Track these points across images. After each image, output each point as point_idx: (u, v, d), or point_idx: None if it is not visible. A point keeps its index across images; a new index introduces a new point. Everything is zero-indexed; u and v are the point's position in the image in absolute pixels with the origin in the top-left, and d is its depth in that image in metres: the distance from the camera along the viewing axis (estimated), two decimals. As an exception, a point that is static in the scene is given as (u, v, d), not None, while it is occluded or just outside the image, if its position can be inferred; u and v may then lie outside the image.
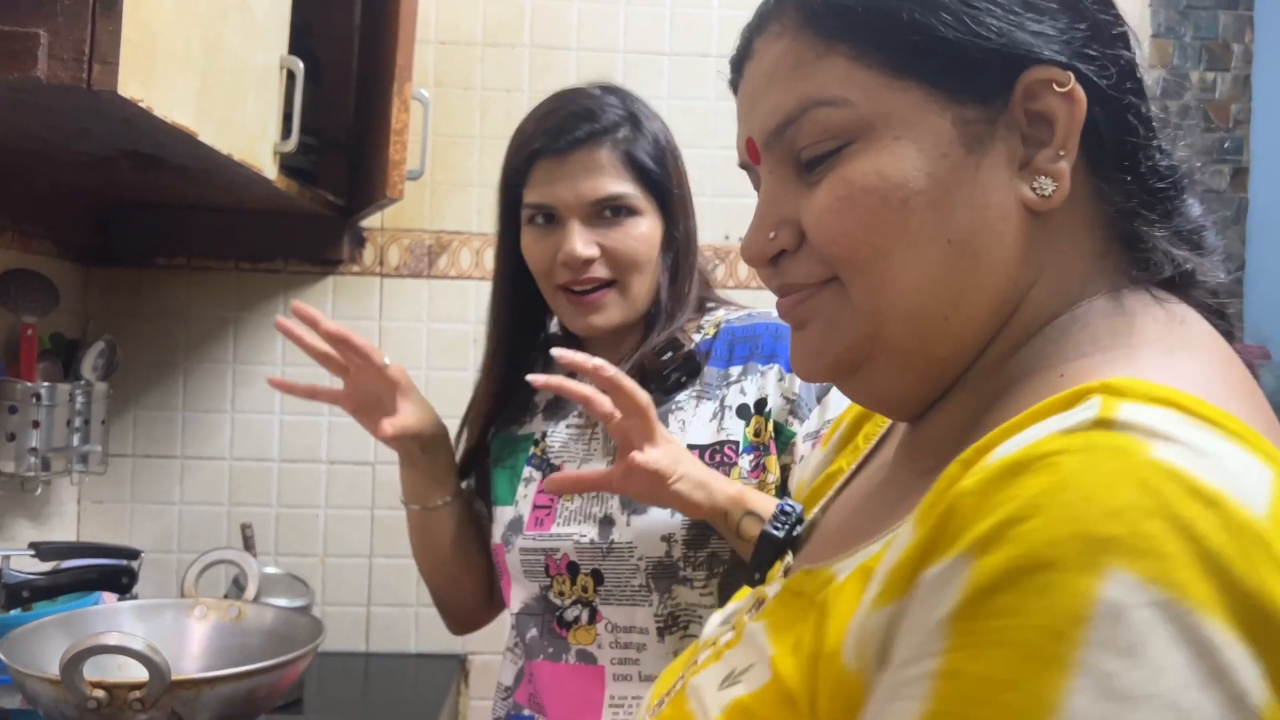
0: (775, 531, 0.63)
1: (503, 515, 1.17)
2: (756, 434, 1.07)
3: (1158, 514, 0.36)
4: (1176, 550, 0.35)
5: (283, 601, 1.53)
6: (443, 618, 1.30)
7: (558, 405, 1.20)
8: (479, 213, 1.82)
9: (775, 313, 1.09)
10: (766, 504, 0.98)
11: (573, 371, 0.99)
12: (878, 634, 0.41)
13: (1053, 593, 0.36)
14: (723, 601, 1.02)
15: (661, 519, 1.05)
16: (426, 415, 1.17)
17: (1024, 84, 0.50)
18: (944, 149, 0.50)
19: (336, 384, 1.18)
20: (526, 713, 1.15)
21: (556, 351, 0.97)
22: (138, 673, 0.91)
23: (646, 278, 1.12)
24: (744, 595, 0.66)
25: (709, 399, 1.10)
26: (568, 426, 1.18)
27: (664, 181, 1.11)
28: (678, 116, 1.82)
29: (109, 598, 1.31)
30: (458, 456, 1.24)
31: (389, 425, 1.12)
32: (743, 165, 0.59)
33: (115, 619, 1.14)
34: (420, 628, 1.81)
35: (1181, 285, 0.52)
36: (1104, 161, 0.51)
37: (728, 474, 1.05)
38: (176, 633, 1.16)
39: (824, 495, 0.68)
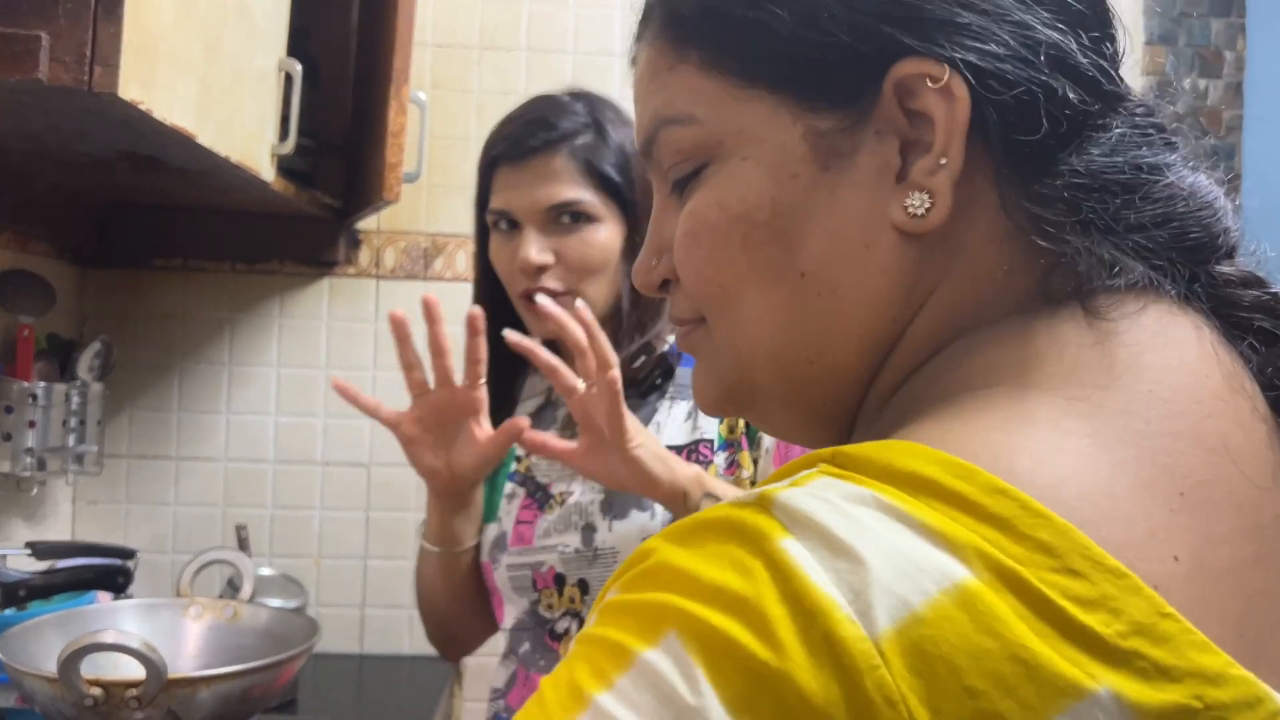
0: None
1: (487, 533, 1.16)
2: (731, 430, 1.08)
3: (742, 607, 0.32)
4: (740, 646, 0.32)
5: (277, 602, 1.53)
6: (440, 647, 1.27)
7: (540, 420, 1.19)
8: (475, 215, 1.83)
9: None
10: (725, 488, 0.98)
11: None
12: None
13: (612, 635, 0.35)
14: None
15: (640, 521, 1.05)
16: (496, 450, 1.07)
17: (892, 80, 0.42)
18: (793, 169, 0.43)
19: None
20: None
21: (507, 334, 0.97)
22: (134, 671, 0.92)
23: (604, 285, 1.10)
24: None
25: (683, 399, 1.10)
26: (555, 434, 1.16)
27: (624, 189, 1.10)
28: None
29: (104, 597, 1.31)
30: None
31: (470, 455, 1.06)
32: None
33: (112, 618, 1.14)
34: (415, 630, 1.81)
35: (1155, 286, 0.42)
36: (1009, 163, 0.42)
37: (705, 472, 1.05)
38: (172, 632, 1.16)
39: None
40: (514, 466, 1.18)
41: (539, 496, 1.14)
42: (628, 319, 1.11)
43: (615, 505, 1.07)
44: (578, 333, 0.95)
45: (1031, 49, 0.41)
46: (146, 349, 1.78)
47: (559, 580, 1.09)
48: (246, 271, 1.81)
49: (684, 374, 1.11)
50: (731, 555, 0.34)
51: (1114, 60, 0.45)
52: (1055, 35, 0.42)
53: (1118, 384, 0.39)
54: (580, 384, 0.96)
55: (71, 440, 1.55)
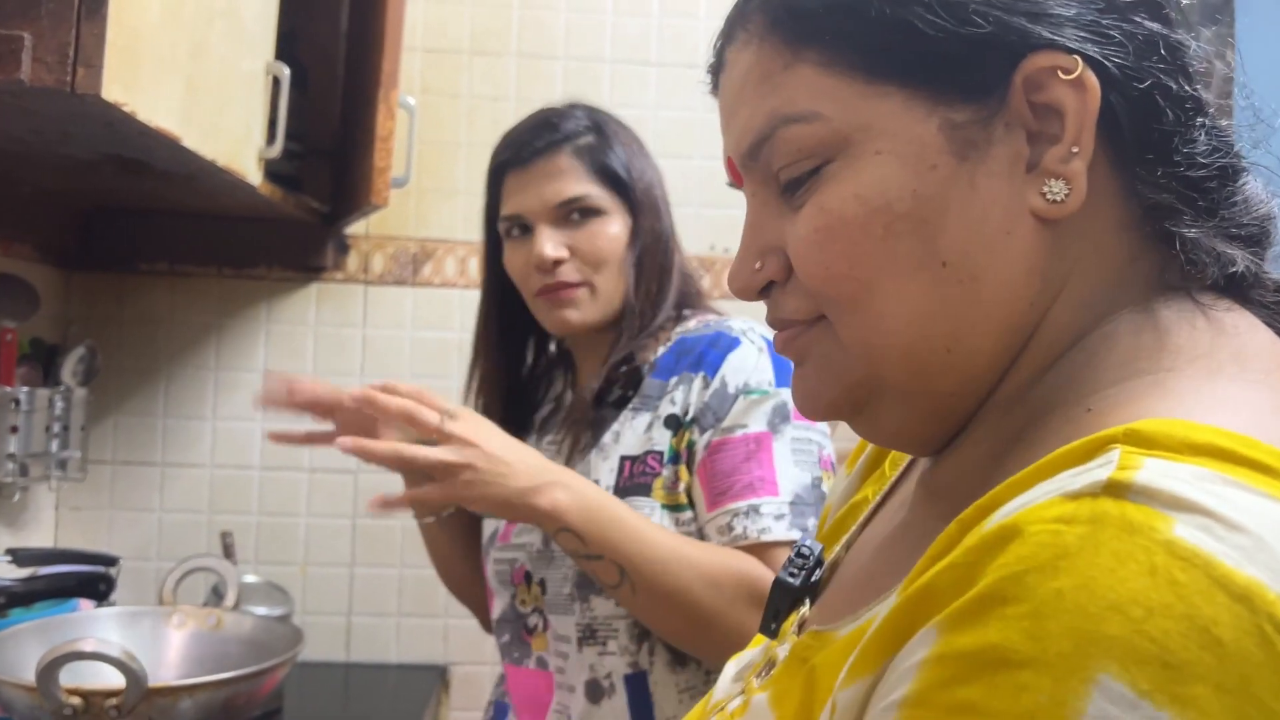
0: (790, 579, 0.56)
1: (487, 527, 1.20)
2: (681, 444, 1.08)
3: (1169, 612, 0.30)
4: (1190, 660, 0.29)
5: (262, 610, 1.51)
6: (474, 612, 1.34)
7: (547, 424, 1.22)
8: (464, 220, 1.82)
9: (734, 322, 1.11)
10: (594, 513, 0.98)
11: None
12: (849, 713, 0.37)
13: (1026, 696, 0.30)
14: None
15: None
16: None
17: (1024, 74, 0.43)
18: (931, 160, 0.44)
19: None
20: (507, 701, 1.20)
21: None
22: (115, 680, 0.91)
23: (615, 276, 1.13)
24: (758, 644, 0.60)
25: (646, 410, 1.11)
26: (548, 443, 1.19)
27: (628, 181, 1.14)
28: (664, 127, 1.83)
29: (86, 605, 1.30)
30: None
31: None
32: (730, 185, 0.55)
33: (93, 625, 1.13)
34: (401, 638, 1.80)
35: (1237, 288, 0.44)
36: (1129, 153, 0.44)
37: (649, 484, 1.06)
38: (154, 640, 1.15)
39: (847, 529, 0.61)
40: None
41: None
42: (634, 308, 1.14)
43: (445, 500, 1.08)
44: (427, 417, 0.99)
45: (1151, 44, 0.44)
46: (132, 354, 1.77)
47: (527, 577, 1.12)
48: (233, 276, 1.79)
49: (651, 385, 1.12)
50: (1119, 554, 0.31)
51: (1201, 61, 0.47)
52: (1168, 33, 0.44)
53: (1275, 370, 0.41)
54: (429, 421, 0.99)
55: (55, 446, 1.54)
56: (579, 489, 0.99)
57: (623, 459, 1.09)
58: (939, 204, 0.44)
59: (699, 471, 1.05)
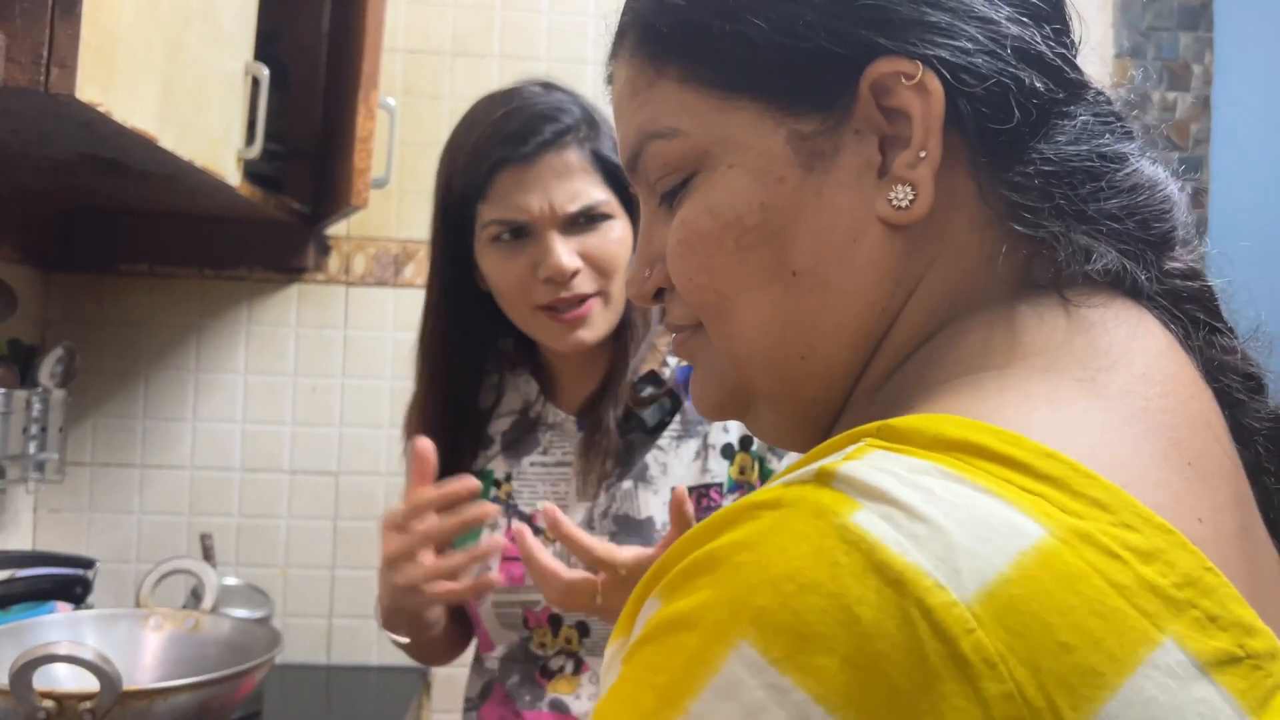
0: None
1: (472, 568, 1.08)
2: (742, 471, 1.03)
3: (819, 589, 0.31)
4: (824, 633, 0.30)
5: (242, 613, 1.51)
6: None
7: (519, 441, 1.11)
8: (446, 222, 1.82)
9: None
10: None
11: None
12: (610, 669, 0.39)
13: (679, 654, 0.32)
14: None
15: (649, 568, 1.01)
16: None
17: (868, 81, 0.43)
18: (779, 172, 0.45)
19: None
20: None
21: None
22: (89, 683, 0.90)
23: (622, 284, 1.03)
24: None
25: (691, 436, 1.04)
26: (532, 465, 1.10)
27: (626, 180, 1.06)
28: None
29: (64, 608, 1.29)
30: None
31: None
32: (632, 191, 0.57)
33: (68, 628, 1.12)
34: (383, 640, 1.78)
35: (1129, 281, 0.44)
36: (983, 153, 0.44)
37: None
38: (131, 643, 1.14)
39: None
40: (493, 493, 1.10)
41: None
42: (635, 319, 1.06)
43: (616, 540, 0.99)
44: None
45: (998, 42, 0.43)
46: (111, 355, 1.76)
47: (554, 621, 1.04)
48: (214, 277, 1.79)
49: (690, 409, 1.05)
50: (796, 534, 0.33)
51: (1073, 49, 0.47)
52: (1018, 29, 0.44)
53: (1115, 367, 0.41)
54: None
55: (32, 448, 1.52)
56: None
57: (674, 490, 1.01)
58: (788, 215, 0.45)
59: None
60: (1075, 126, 0.44)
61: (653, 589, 0.36)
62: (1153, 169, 0.46)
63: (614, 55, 0.51)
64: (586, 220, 1.01)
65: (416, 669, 1.77)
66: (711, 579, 0.33)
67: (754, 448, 1.03)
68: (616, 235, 1.03)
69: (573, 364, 1.09)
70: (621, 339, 1.06)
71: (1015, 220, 0.44)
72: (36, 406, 1.53)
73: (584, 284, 1.01)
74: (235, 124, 1.28)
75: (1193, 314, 0.45)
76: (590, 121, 1.03)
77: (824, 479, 0.34)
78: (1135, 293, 0.44)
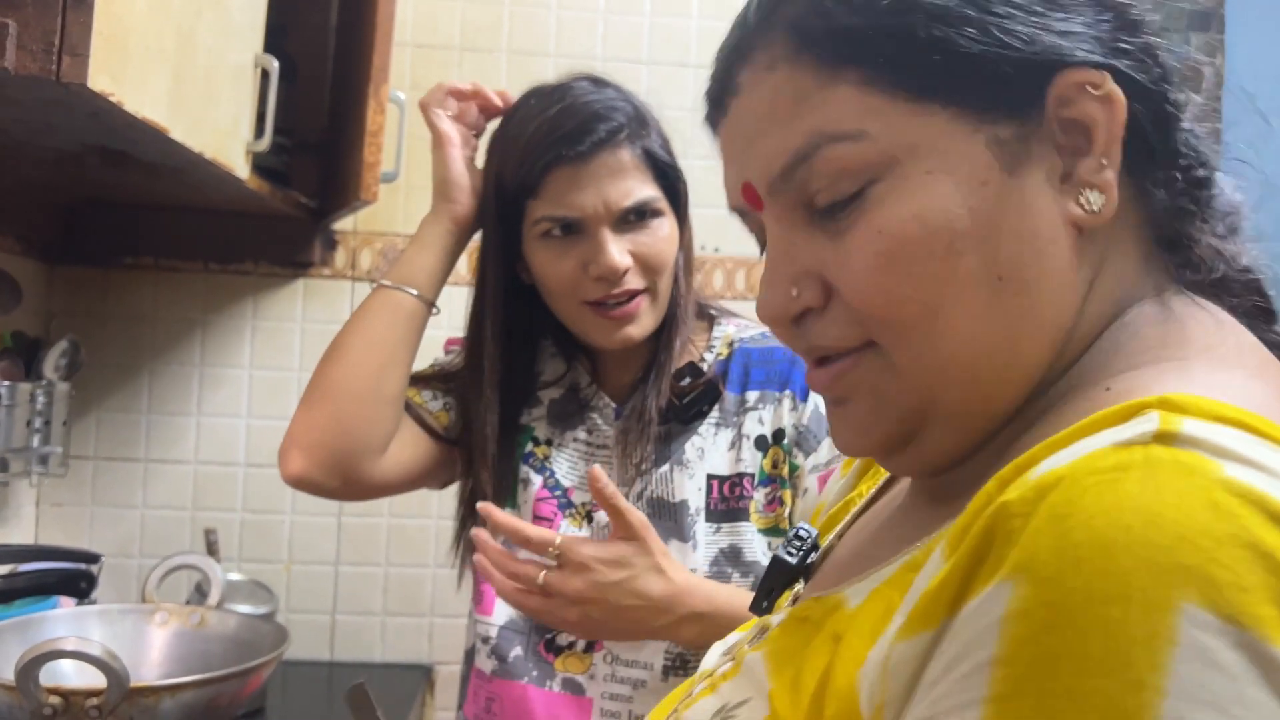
0: (788, 557, 0.58)
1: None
2: (774, 465, 1.04)
3: (1235, 541, 0.31)
4: (1258, 583, 0.31)
5: (246, 608, 1.50)
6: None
7: (566, 415, 1.12)
8: (453, 218, 1.81)
9: None
10: (713, 601, 0.92)
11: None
12: (906, 667, 0.37)
13: (1118, 631, 0.31)
14: None
15: (682, 554, 1.01)
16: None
17: (1056, 91, 0.45)
18: (982, 176, 0.45)
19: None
20: None
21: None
22: (95, 680, 0.89)
23: (669, 281, 1.07)
24: (750, 626, 0.61)
25: (727, 426, 1.06)
26: (575, 441, 1.11)
27: (676, 178, 1.07)
28: (655, 125, 1.82)
29: (67, 603, 1.28)
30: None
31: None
32: (735, 209, 0.53)
33: (74, 624, 1.12)
34: (387, 637, 1.79)
35: (1223, 285, 0.48)
36: (1143, 159, 0.47)
37: (746, 508, 1.01)
38: (136, 639, 1.14)
39: (840, 521, 0.62)
40: (530, 448, 1.11)
41: (559, 497, 1.08)
42: (678, 315, 1.08)
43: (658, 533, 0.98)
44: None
45: (1153, 55, 0.47)
46: (115, 349, 1.75)
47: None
48: (219, 271, 1.78)
49: (729, 399, 1.07)
50: (1183, 491, 0.32)
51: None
52: (1163, 43, 0.47)
53: (1266, 358, 0.44)
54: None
55: (36, 441, 1.52)
56: (711, 612, 0.92)
57: (709, 478, 1.04)
58: (993, 219, 0.45)
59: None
60: (1197, 140, 0.48)
61: (976, 576, 0.35)
62: (1225, 182, 0.50)
63: (748, 60, 0.49)
64: (637, 217, 1.03)
65: (421, 666, 1.76)
66: (1100, 548, 0.32)
67: (784, 442, 1.04)
68: (665, 233, 1.05)
69: (616, 355, 1.10)
70: (665, 332, 1.08)
71: (1171, 223, 0.47)
72: (40, 400, 1.52)
73: (633, 281, 1.03)
74: (244, 116, 1.27)
75: (1259, 305, 0.49)
76: (640, 119, 1.05)
77: (1167, 439, 0.34)
78: (1218, 299, 0.48)
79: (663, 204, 1.05)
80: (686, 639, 0.93)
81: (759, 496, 1.03)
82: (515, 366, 1.13)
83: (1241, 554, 0.31)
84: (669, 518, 1.03)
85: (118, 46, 0.88)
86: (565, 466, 1.10)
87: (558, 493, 1.09)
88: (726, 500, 1.02)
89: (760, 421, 1.05)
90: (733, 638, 0.61)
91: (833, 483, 0.69)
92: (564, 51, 1.84)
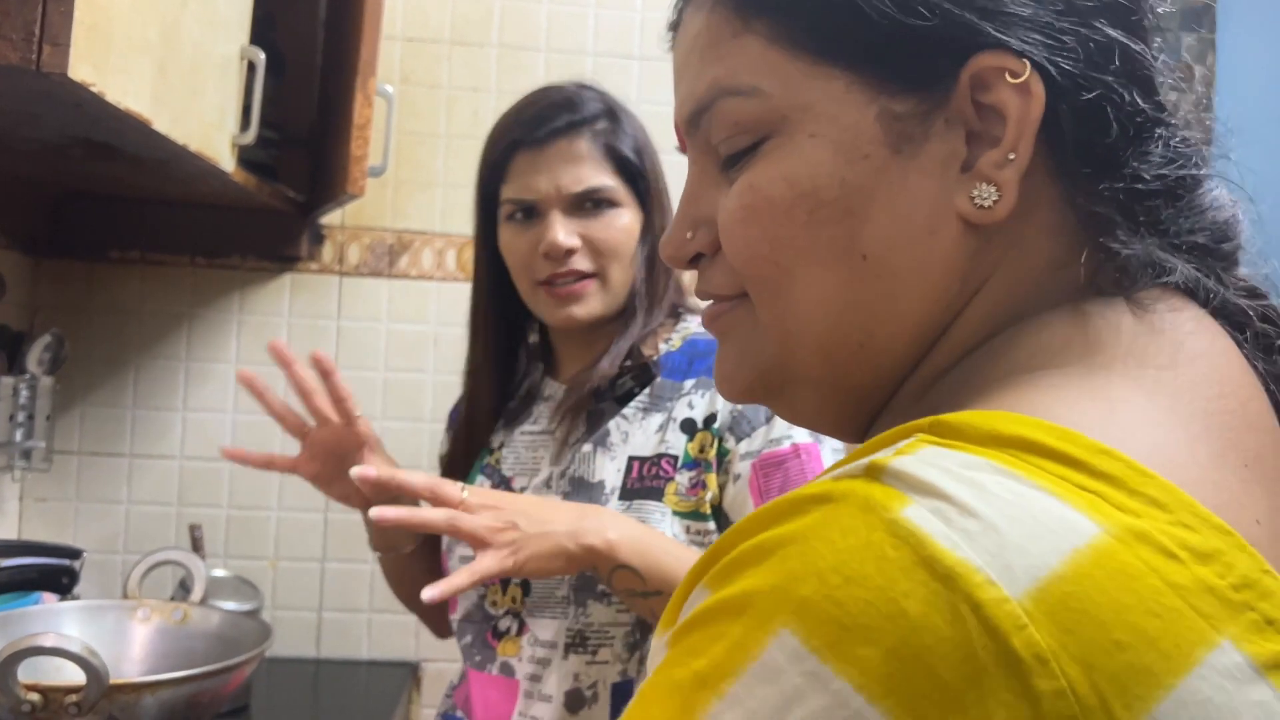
0: None
1: None
2: (701, 449, 1.05)
3: (866, 583, 0.31)
4: (868, 625, 0.30)
5: (231, 605, 1.49)
6: (430, 628, 1.30)
7: (517, 412, 1.18)
8: (442, 212, 1.80)
9: None
10: (645, 547, 0.95)
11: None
12: (655, 657, 0.38)
13: (721, 640, 0.33)
14: (640, 624, 1.01)
15: None
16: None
17: (970, 71, 0.42)
18: (865, 149, 0.43)
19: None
20: (459, 714, 1.15)
21: (355, 472, 0.98)
22: (75, 676, 0.88)
23: (626, 270, 1.10)
24: None
25: (658, 411, 1.08)
26: (522, 434, 1.15)
27: (643, 173, 1.10)
28: (646, 120, 1.80)
29: (49, 598, 1.27)
30: (446, 455, 1.23)
31: (369, 474, 0.99)
32: (678, 149, 0.53)
33: (54, 620, 1.11)
34: (372, 634, 1.78)
35: (1199, 293, 0.44)
36: (1071, 161, 0.43)
37: (662, 488, 1.03)
38: (118, 635, 1.13)
39: None
40: (486, 459, 1.17)
41: (501, 489, 1.13)
42: (640, 305, 1.11)
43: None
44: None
45: (1107, 52, 0.42)
46: (100, 343, 1.73)
47: (504, 578, 1.08)
48: (206, 265, 1.76)
49: (665, 385, 1.09)
50: (845, 528, 0.32)
51: (1159, 71, 0.46)
52: (1130, 44, 0.43)
53: (1176, 366, 0.40)
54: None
55: (19, 435, 1.50)
56: (621, 523, 0.96)
57: (631, 459, 1.05)
58: (866, 195, 0.43)
59: (750, 487, 1.01)
60: (1166, 146, 0.43)
61: (701, 579, 0.36)
62: (1218, 190, 0.46)
63: (688, 1, 0.49)
64: (593, 205, 1.08)
65: (407, 664, 1.75)
66: (759, 569, 0.33)
67: (715, 426, 1.05)
68: (622, 223, 1.09)
69: (574, 343, 1.14)
70: (621, 321, 1.11)
71: (1096, 233, 0.43)
72: (24, 394, 1.50)
73: (581, 263, 1.07)
74: (230, 109, 1.26)
75: (1255, 328, 0.44)
76: (612, 117, 1.10)
77: (874, 473, 0.34)
78: (1202, 303, 0.44)
79: (620, 195, 1.09)
80: (606, 543, 0.94)
81: (681, 479, 1.04)
82: (507, 362, 1.19)
83: (863, 595, 0.31)
84: (584, 496, 1.06)
85: (100, 36, 0.87)
86: (511, 460, 1.15)
87: (501, 488, 1.13)
88: (643, 479, 1.04)
89: (691, 406, 1.07)
90: None
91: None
92: (555, 45, 1.83)
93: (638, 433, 1.07)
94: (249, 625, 1.15)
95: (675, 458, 1.04)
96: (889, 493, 0.33)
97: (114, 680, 0.89)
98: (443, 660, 1.77)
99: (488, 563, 0.93)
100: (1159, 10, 0.46)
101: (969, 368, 0.44)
